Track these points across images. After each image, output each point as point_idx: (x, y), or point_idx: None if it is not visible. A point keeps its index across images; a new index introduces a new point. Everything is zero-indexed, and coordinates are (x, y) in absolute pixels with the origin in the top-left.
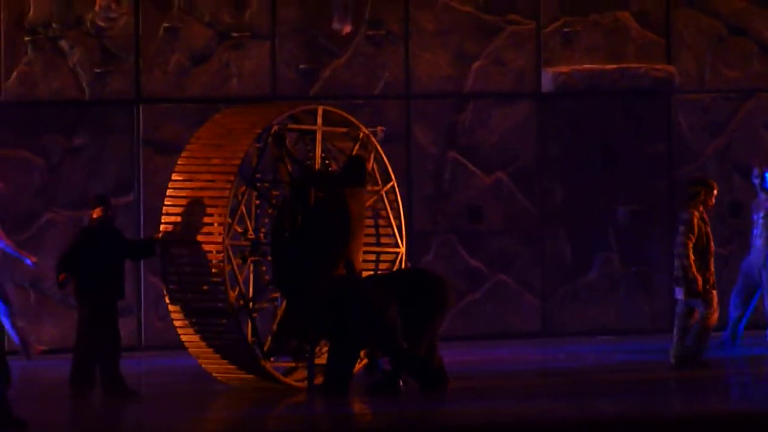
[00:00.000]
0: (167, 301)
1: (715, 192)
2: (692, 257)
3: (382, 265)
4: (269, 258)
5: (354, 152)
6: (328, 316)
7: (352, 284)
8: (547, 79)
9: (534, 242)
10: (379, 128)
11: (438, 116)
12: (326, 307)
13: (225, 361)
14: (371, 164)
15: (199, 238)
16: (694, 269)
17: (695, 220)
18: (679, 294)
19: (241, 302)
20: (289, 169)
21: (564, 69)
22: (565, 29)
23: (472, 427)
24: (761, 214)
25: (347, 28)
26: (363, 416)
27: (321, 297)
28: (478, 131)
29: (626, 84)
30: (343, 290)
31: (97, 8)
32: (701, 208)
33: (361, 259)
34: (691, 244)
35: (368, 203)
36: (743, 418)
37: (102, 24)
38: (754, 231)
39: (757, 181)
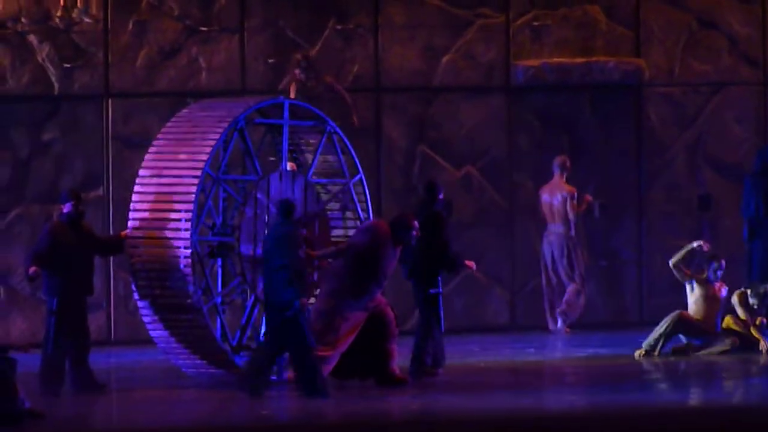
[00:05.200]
0: (136, 297)
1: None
2: None
3: None
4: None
5: (321, 145)
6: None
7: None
8: (517, 72)
9: (504, 236)
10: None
11: (407, 110)
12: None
13: (195, 356)
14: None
15: (167, 234)
16: None
17: None
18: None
19: (210, 297)
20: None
21: (534, 63)
22: (535, 23)
23: (439, 421)
24: None
25: None
26: (331, 409)
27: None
28: (447, 125)
29: (596, 77)
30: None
31: (62, 2)
32: None
33: None
34: None
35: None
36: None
37: (74, 19)
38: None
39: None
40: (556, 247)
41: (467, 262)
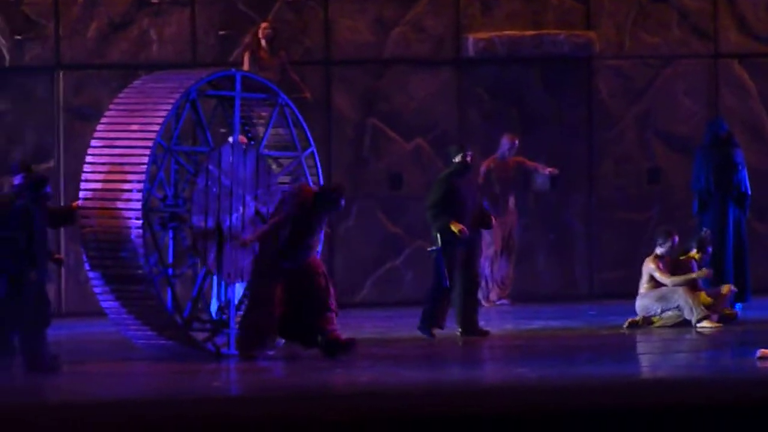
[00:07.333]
0: (87, 268)
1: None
2: None
3: None
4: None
5: (273, 118)
6: None
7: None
8: (467, 45)
9: None
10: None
11: (358, 82)
12: None
13: (146, 327)
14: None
15: (118, 204)
16: None
17: None
18: None
19: (161, 269)
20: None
21: (484, 35)
22: None
23: (388, 394)
24: None
25: None
26: (282, 381)
27: None
28: (397, 97)
29: (546, 50)
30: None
31: None
32: None
33: None
34: None
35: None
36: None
37: None
38: None
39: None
40: None
41: (452, 224)
